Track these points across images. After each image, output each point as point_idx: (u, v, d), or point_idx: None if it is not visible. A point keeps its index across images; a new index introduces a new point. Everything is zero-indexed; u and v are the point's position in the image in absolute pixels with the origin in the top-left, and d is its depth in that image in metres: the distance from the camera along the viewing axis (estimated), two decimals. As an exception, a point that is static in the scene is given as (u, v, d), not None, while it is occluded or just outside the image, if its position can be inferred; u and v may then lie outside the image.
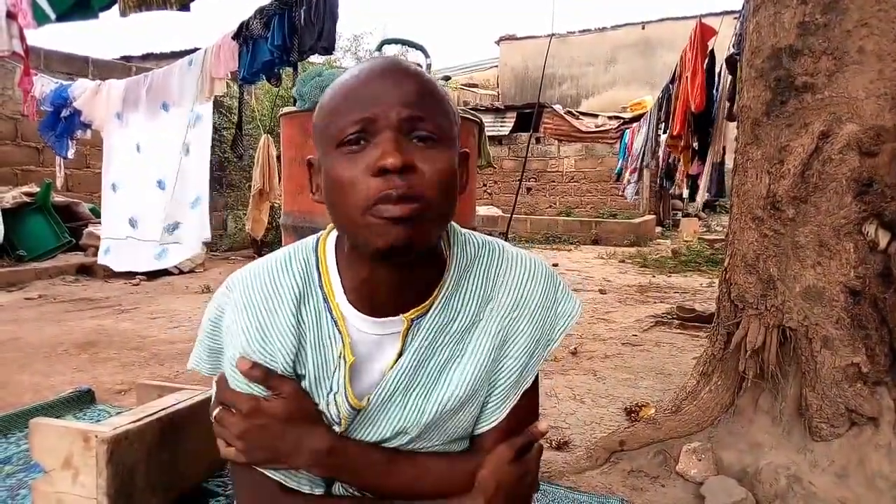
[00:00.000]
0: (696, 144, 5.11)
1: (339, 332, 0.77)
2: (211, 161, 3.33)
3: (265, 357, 0.76)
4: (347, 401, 0.78)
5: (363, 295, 0.76)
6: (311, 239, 0.82)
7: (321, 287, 0.78)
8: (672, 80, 5.19)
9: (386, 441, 0.80)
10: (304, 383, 0.79)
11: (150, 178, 3.37)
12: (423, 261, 0.76)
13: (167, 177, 3.31)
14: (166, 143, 3.28)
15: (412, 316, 0.77)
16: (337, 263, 0.79)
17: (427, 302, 0.77)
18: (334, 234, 0.81)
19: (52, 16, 3.01)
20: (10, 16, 3.03)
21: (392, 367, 0.78)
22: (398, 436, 0.80)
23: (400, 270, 0.74)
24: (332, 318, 0.77)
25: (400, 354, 0.78)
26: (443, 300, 0.78)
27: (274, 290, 0.77)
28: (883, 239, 1.73)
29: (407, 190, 0.65)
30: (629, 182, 7.47)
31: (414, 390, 0.79)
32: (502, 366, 0.82)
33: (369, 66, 0.71)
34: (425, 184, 0.66)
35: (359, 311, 0.77)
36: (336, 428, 0.79)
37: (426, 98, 0.69)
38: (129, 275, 6.27)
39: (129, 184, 3.52)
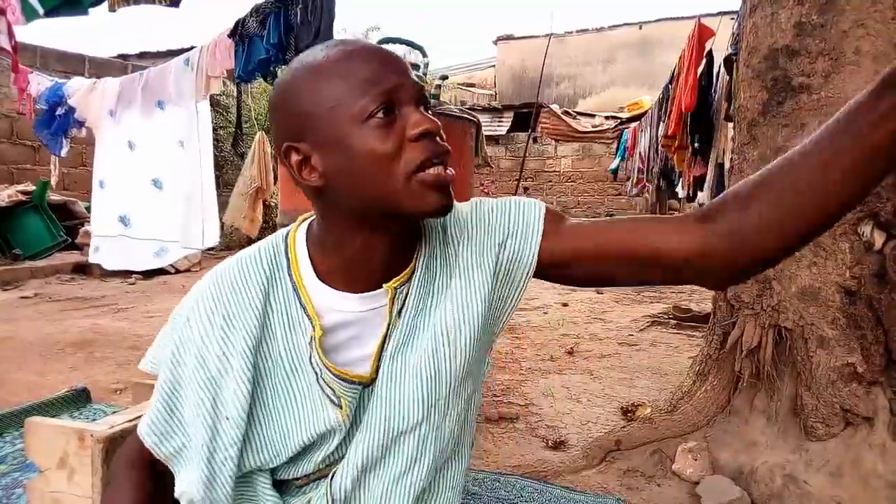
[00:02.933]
0: (696, 144, 5.10)
1: (308, 317, 0.77)
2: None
3: (224, 339, 0.76)
4: (334, 375, 0.77)
5: (349, 272, 0.77)
6: (280, 232, 0.83)
7: (290, 275, 0.78)
8: (671, 81, 5.20)
9: (425, 423, 0.79)
10: (278, 374, 0.79)
11: (145, 177, 3.35)
12: (414, 227, 0.79)
13: (164, 175, 3.29)
14: (162, 142, 3.26)
15: (395, 284, 0.77)
16: (309, 251, 0.79)
17: (408, 269, 0.79)
18: (304, 225, 0.82)
19: (41, 11, 2.99)
20: (-1, 11, 3.02)
21: (390, 337, 0.78)
22: (431, 412, 0.79)
23: (400, 236, 0.76)
24: (300, 303, 0.78)
25: (389, 326, 0.78)
26: (423, 264, 0.80)
27: (241, 278, 0.78)
28: (878, 239, 1.73)
29: (446, 149, 0.71)
30: (644, 184, 7.43)
31: (421, 358, 0.78)
32: (500, 269, 0.81)
33: (354, 46, 0.73)
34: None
35: (339, 290, 0.77)
36: (337, 413, 0.78)
37: (412, 73, 0.74)
38: (126, 274, 6.25)
39: (119, 181, 3.49)
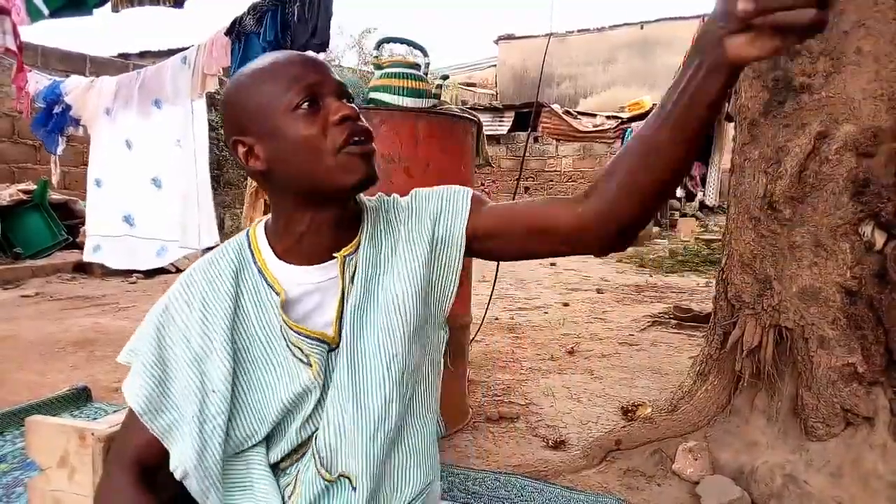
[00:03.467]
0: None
1: (276, 292, 0.87)
2: (209, 159, 3.28)
3: (204, 321, 0.86)
4: (299, 333, 0.86)
5: (302, 248, 0.88)
6: (242, 232, 0.96)
7: (255, 262, 0.90)
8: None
9: (387, 376, 0.88)
10: (256, 349, 0.88)
11: (146, 176, 3.34)
12: (352, 204, 0.92)
13: (163, 174, 3.28)
14: (160, 141, 3.25)
15: (344, 253, 0.89)
16: (268, 239, 0.91)
17: (354, 241, 0.90)
18: (262, 222, 0.94)
19: (45, 11, 3.00)
20: (3, 11, 3.02)
21: (347, 300, 0.88)
22: (390, 367, 0.88)
23: (341, 209, 0.88)
24: (266, 283, 0.88)
25: (344, 292, 0.88)
26: (367, 236, 0.92)
27: (213, 269, 0.89)
28: (879, 239, 1.73)
29: (366, 129, 0.84)
30: None
31: (376, 318, 0.89)
32: (436, 243, 0.93)
33: (284, 54, 0.87)
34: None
35: (297, 265, 0.88)
36: (308, 371, 0.87)
37: (333, 72, 0.88)
38: (126, 273, 6.25)
39: (118, 181, 3.47)
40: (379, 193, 0.99)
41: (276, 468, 0.92)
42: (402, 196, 0.99)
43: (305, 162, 0.82)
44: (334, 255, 0.88)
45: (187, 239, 3.26)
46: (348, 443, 0.87)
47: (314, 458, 0.88)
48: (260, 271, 0.89)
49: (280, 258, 0.89)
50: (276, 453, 0.90)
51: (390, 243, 0.93)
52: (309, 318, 0.89)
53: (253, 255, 0.90)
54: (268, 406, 0.87)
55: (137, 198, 3.39)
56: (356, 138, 0.82)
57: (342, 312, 0.89)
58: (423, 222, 0.93)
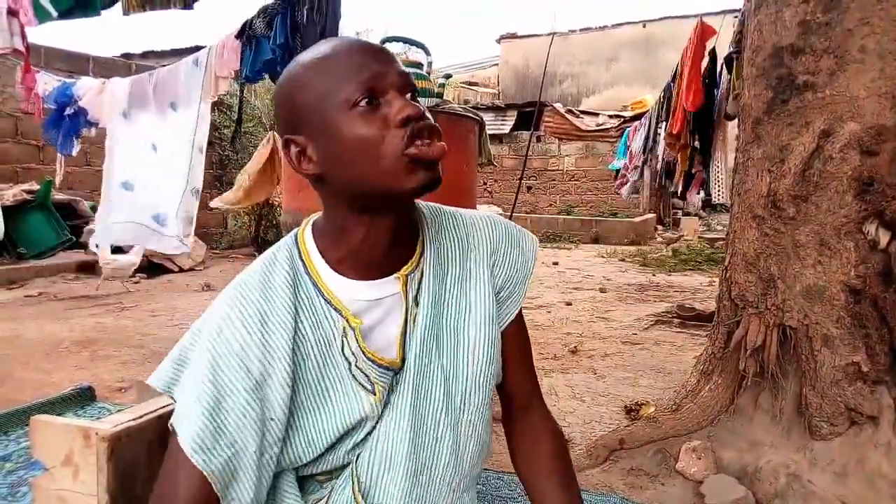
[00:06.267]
0: (697, 143, 5.10)
1: (336, 309, 0.80)
2: (212, 159, 3.31)
3: (264, 342, 0.77)
4: (371, 360, 0.80)
5: (358, 260, 0.81)
6: (288, 236, 0.87)
7: (308, 273, 0.82)
8: (673, 79, 5.18)
9: (445, 416, 0.84)
10: (310, 369, 0.80)
11: (179, 178, 3.36)
12: (411, 212, 0.84)
13: (189, 176, 3.32)
14: (180, 142, 3.29)
15: (406, 272, 0.82)
16: (318, 246, 0.83)
17: (414, 257, 0.84)
18: (309, 225, 0.86)
19: (54, 13, 3.01)
20: (11, 13, 3.03)
21: (416, 323, 0.83)
22: (449, 410, 0.84)
23: (400, 219, 0.80)
24: (324, 298, 0.81)
25: (408, 312, 0.83)
26: (431, 254, 0.85)
27: (268, 280, 0.81)
28: (883, 238, 1.73)
29: (431, 127, 0.74)
30: (628, 180, 7.40)
31: (444, 347, 0.84)
32: (501, 303, 0.91)
33: (344, 40, 0.78)
34: None
35: (352, 279, 0.81)
36: (371, 399, 0.81)
37: (399, 62, 0.79)
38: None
39: (146, 182, 3.50)
40: (436, 204, 0.93)
41: (311, 478, 0.87)
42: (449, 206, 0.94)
43: (362, 165, 0.73)
44: (395, 274, 0.82)
45: (188, 236, 3.33)
46: (392, 476, 0.81)
47: (353, 481, 0.82)
48: (314, 283, 0.81)
49: (332, 268, 0.81)
50: (318, 468, 0.85)
51: (457, 266, 0.87)
52: (366, 337, 0.82)
53: (305, 264, 0.82)
54: (320, 433, 0.81)
55: (169, 198, 3.41)
56: (419, 141, 0.73)
57: (405, 335, 0.83)
58: (503, 274, 0.91)
